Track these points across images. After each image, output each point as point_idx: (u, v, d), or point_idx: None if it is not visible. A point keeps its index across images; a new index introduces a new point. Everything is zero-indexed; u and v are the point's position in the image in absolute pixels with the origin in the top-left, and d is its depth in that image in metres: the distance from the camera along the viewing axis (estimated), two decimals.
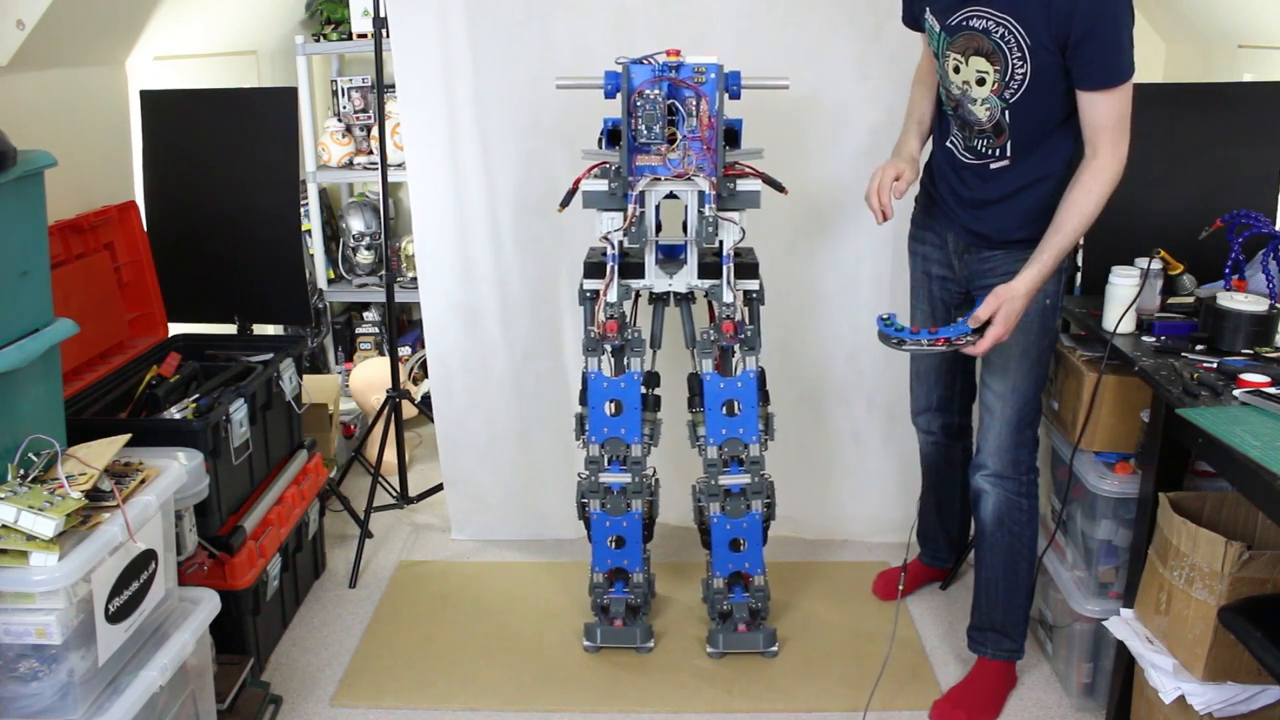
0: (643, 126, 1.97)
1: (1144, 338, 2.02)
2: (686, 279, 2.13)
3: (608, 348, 2.14)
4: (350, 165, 3.53)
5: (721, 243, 2.07)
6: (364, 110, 3.59)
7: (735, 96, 2.04)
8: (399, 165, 2.87)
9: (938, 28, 1.92)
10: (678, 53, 1.96)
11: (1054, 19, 1.75)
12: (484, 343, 2.78)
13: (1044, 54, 1.79)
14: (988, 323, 1.87)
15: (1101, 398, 2.06)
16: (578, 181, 2.07)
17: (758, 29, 2.47)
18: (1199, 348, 1.95)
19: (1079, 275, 2.30)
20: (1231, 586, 1.71)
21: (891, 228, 2.57)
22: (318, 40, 3.48)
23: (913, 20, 2.07)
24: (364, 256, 3.62)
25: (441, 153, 2.61)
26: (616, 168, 2.04)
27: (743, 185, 2.06)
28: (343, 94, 3.59)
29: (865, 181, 2.55)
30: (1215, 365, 1.86)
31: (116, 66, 2.65)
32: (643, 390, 2.22)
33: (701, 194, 2.01)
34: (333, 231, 3.73)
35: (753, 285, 2.14)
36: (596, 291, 2.10)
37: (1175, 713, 1.83)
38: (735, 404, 2.17)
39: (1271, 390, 1.72)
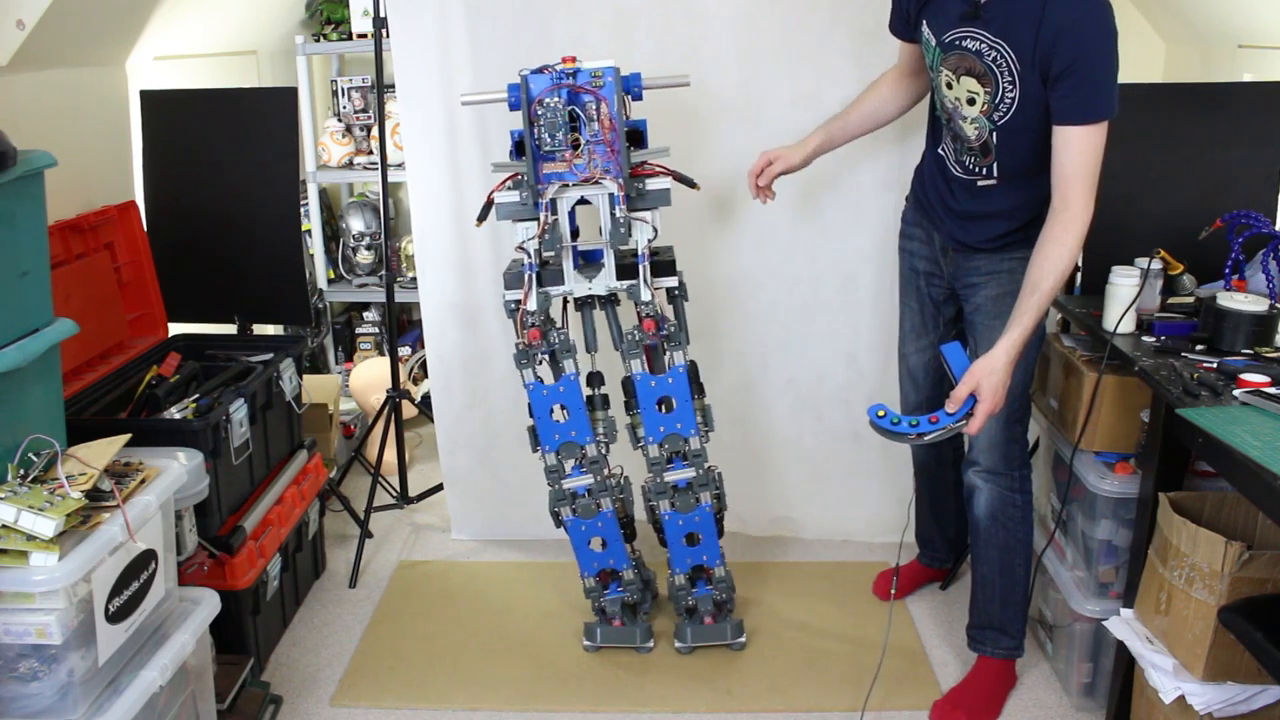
0: (545, 135, 1.98)
1: (1144, 338, 2.02)
2: (606, 282, 2.14)
3: (542, 357, 2.15)
4: (350, 165, 3.53)
5: (637, 243, 2.08)
6: (364, 110, 3.59)
7: (637, 98, 2.05)
8: (399, 165, 2.87)
9: (934, 42, 1.92)
10: (573, 59, 1.97)
11: (1040, 49, 1.75)
12: (484, 343, 2.77)
13: (1031, 81, 1.79)
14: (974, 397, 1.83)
15: (1101, 398, 2.06)
16: (491, 195, 2.08)
17: (757, 29, 2.47)
18: (1199, 348, 1.95)
19: (1079, 275, 2.30)
20: (1231, 586, 1.71)
21: (892, 227, 2.58)
22: (318, 40, 3.48)
23: (902, 29, 2.07)
24: (364, 256, 3.62)
25: (441, 153, 2.61)
26: (527, 177, 2.05)
27: (651, 184, 2.07)
28: (343, 94, 3.59)
29: (864, 181, 2.59)
30: (1215, 365, 1.86)
31: (116, 66, 2.65)
32: (588, 391, 2.22)
33: (611, 196, 2.02)
34: (333, 231, 3.74)
35: (671, 282, 2.15)
36: (518, 302, 2.11)
37: (1175, 713, 1.83)
38: (671, 400, 2.18)
39: (1271, 390, 1.72)
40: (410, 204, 2.69)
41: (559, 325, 2.18)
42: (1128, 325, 2.04)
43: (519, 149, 2.07)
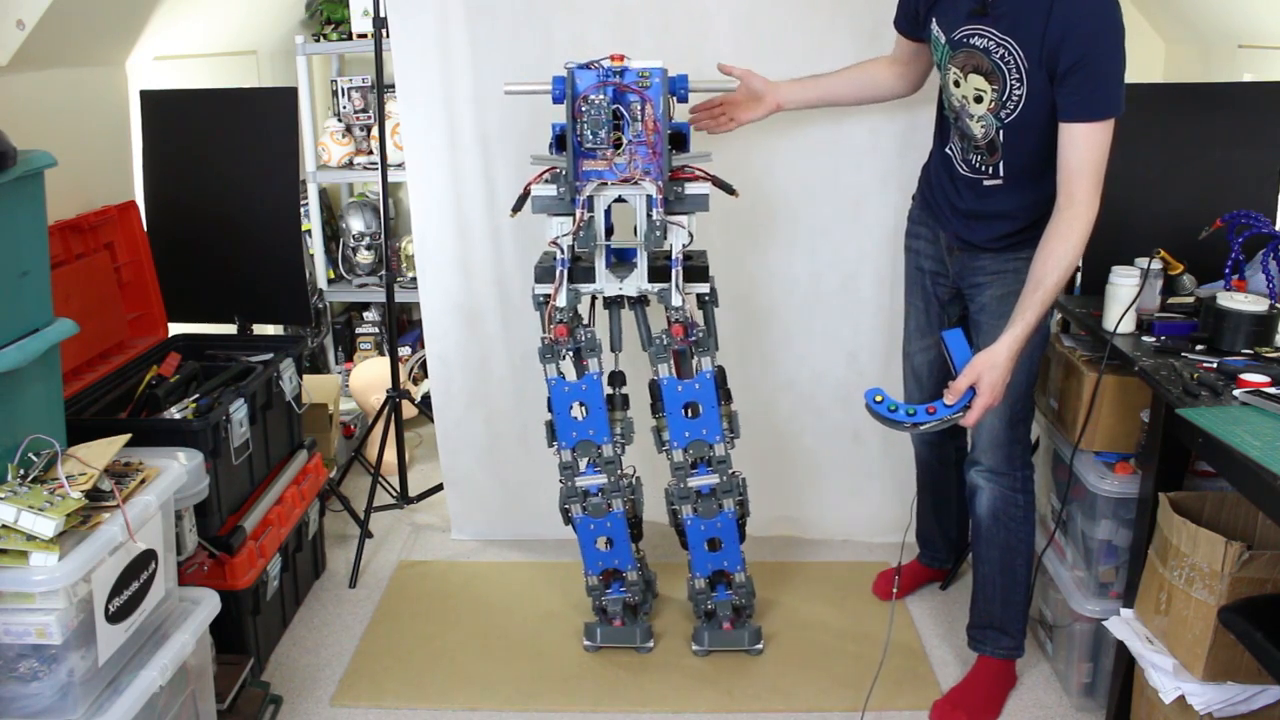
0: (588, 131, 1.97)
1: (1144, 338, 2.02)
2: (637, 283, 2.13)
3: (566, 353, 2.15)
4: (350, 165, 3.53)
5: (671, 246, 2.08)
6: (364, 110, 3.59)
7: (682, 100, 2.04)
8: (399, 165, 2.87)
9: (943, 39, 1.92)
10: (622, 57, 1.97)
11: (1047, 46, 1.75)
12: (484, 343, 2.77)
13: (1039, 78, 1.79)
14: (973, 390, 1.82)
15: (1101, 398, 2.06)
16: (528, 186, 2.08)
17: (757, 29, 2.47)
18: (1199, 348, 1.95)
19: (1079, 275, 2.30)
20: (1231, 586, 1.71)
21: (892, 227, 2.59)
22: (318, 40, 3.48)
23: (908, 26, 2.07)
24: (364, 256, 3.62)
25: (441, 153, 2.61)
26: (565, 172, 2.04)
27: (691, 189, 2.06)
28: (343, 94, 3.59)
29: (864, 182, 2.59)
30: (1215, 365, 1.86)
31: (116, 66, 2.65)
32: (609, 390, 2.22)
33: (649, 198, 2.02)
34: (333, 231, 3.74)
35: (703, 288, 2.14)
36: (548, 296, 2.11)
37: (1175, 713, 1.83)
38: (698, 405, 2.17)
39: (1271, 390, 1.72)
40: (410, 204, 2.69)
41: (585, 322, 2.17)
42: (1128, 325, 2.04)
43: (559, 143, 2.06)
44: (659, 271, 2.10)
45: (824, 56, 2.46)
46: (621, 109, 1.97)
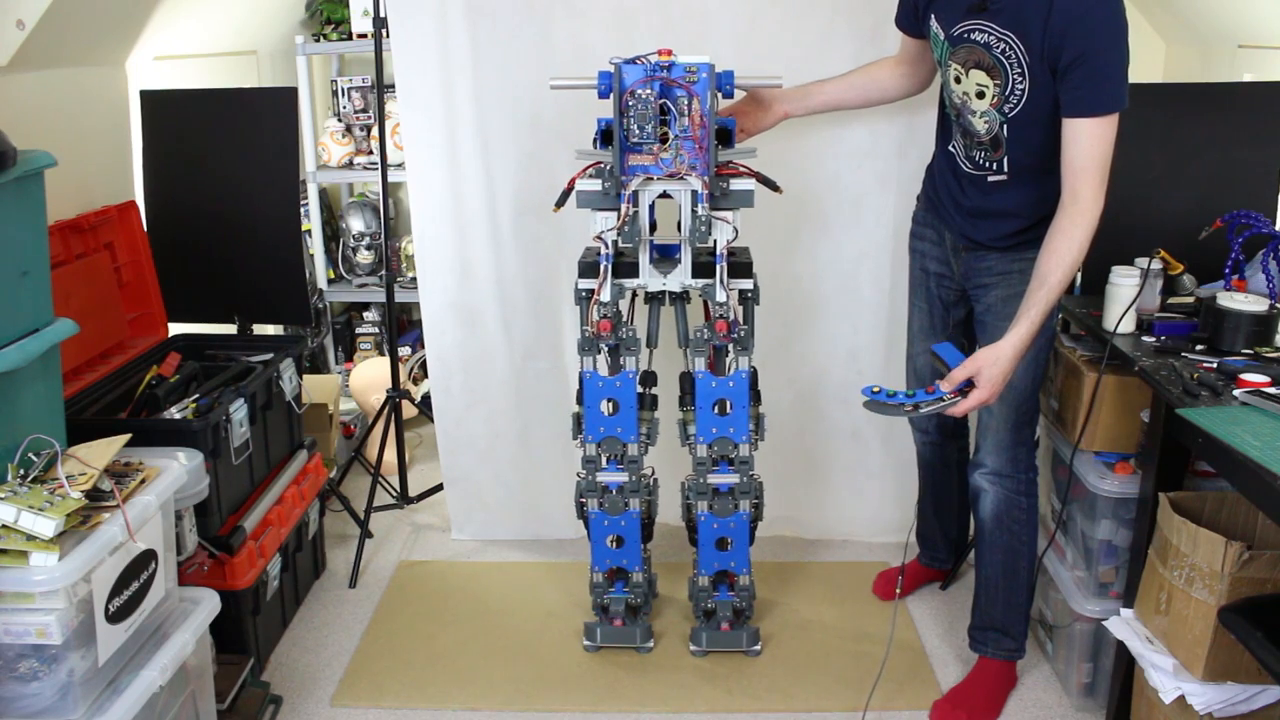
0: (635, 126, 1.97)
1: (1144, 338, 2.02)
2: (680, 278, 2.13)
3: (603, 347, 2.15)
4: (350, 165, 3.53)
5: (715, 242, 2.08)
6: (364, 110, 3.59)
7: (728, 95, 2.05)
8: (399, 165, 2.87)
9: (942, 35, 1.92)
10: (670, 52, 1.97)
11: (1049, 40, 1.74)
12: (484, 343, 2.78)
13: (1041, 72, 1.79)
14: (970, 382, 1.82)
15: (1101, 398, 2.06)
16: (573, 181, 2.08)
17: (757, 29, 2.47)
18: (1199, 348, 1.95)
19: (1079, 275, 2.30)
20: (1231, 586, 1.71)
21: (892, 227, 2.59)
22: (318, 40, 3.48)
23: (909, 23, 2.07)
24: (364, 256, 3.63)
25: (441, 153, 2.61)
26: (610, 167, 2.04)
27: (736, 184, 2.07)
28: (343, 94, 3.59)
29: (863, 181, 2.59)
30: (1215, 365, 1.86)
31: (116, 66, 2.65)
32: (639, 389, 2.22)
33: (694, 193, 2.02)
34: (333, 231, 3.74)
35: (746, 284, 2.14)
36: (591, 291, 2.11)
37: (1175, 713, 1.83)
38: (727, 403, 2.17)
39: (1271, 390, 1.72)
40: (410, 204, 2.69)
41: (625, 318, 2.18)
42: (1128, 325, 2.04)
43: (605, 138, 2.07)
44: (701, 267, 2.11)
45: (825, 56, 2.46)
46: (669, 104, 1.98)
